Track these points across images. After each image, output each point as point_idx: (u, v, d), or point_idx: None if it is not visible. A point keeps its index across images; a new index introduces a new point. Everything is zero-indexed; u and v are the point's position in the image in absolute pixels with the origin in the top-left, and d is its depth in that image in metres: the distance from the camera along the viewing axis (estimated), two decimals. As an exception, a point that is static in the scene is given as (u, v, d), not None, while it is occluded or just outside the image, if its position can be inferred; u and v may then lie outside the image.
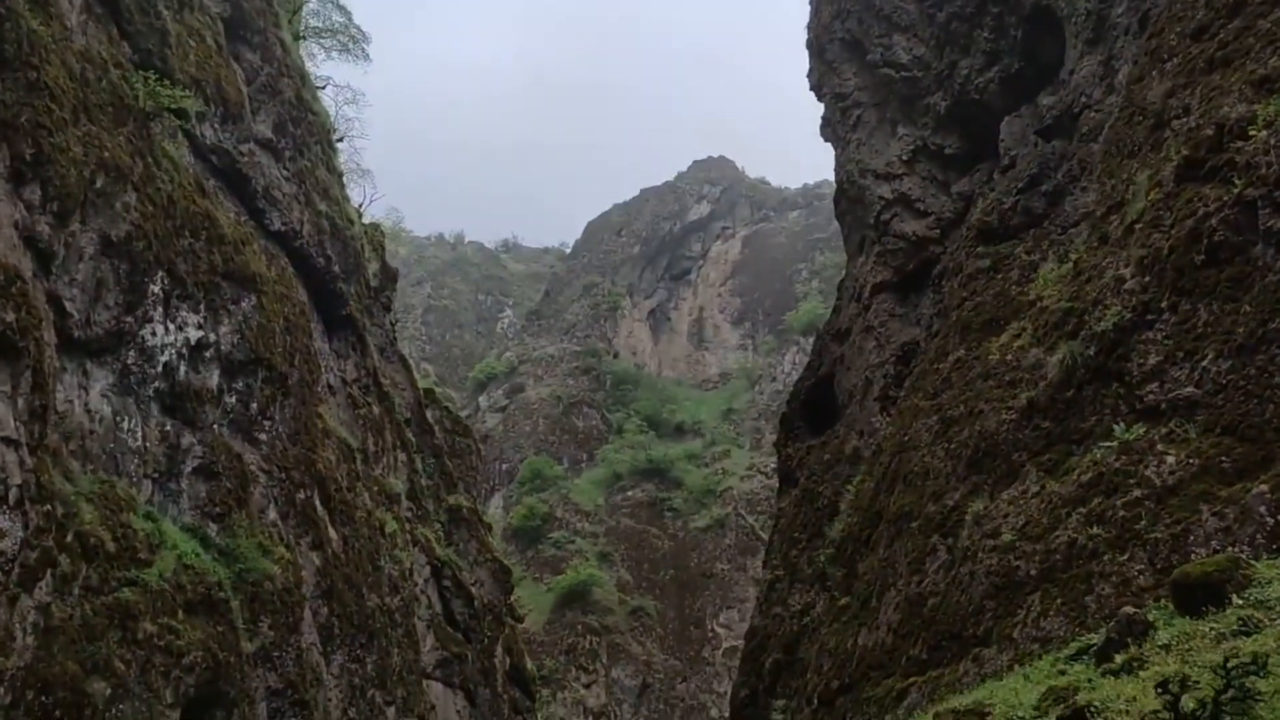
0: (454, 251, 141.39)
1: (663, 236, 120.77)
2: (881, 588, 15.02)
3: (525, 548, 79.94)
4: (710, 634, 76.87)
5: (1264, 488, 9.77)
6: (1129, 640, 8.43)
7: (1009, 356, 14.84)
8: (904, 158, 23.45)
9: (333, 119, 39.93)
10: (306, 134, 32.13)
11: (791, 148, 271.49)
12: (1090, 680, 8.09)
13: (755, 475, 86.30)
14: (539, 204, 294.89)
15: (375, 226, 45.21)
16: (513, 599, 47.11)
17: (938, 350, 17.55)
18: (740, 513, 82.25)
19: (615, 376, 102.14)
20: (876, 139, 24.46)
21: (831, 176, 28.68)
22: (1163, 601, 9.27)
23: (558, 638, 72.73)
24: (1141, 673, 7.72)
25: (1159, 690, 5.17)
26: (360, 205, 42.91)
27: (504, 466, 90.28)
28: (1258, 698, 5.03)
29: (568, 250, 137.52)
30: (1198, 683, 5.03)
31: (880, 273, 23.26)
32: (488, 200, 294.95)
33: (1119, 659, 8.22)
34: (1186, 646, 7.85)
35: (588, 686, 71.99)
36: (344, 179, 38.58)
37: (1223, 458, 10.39)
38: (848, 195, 25.67)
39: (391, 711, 29.08)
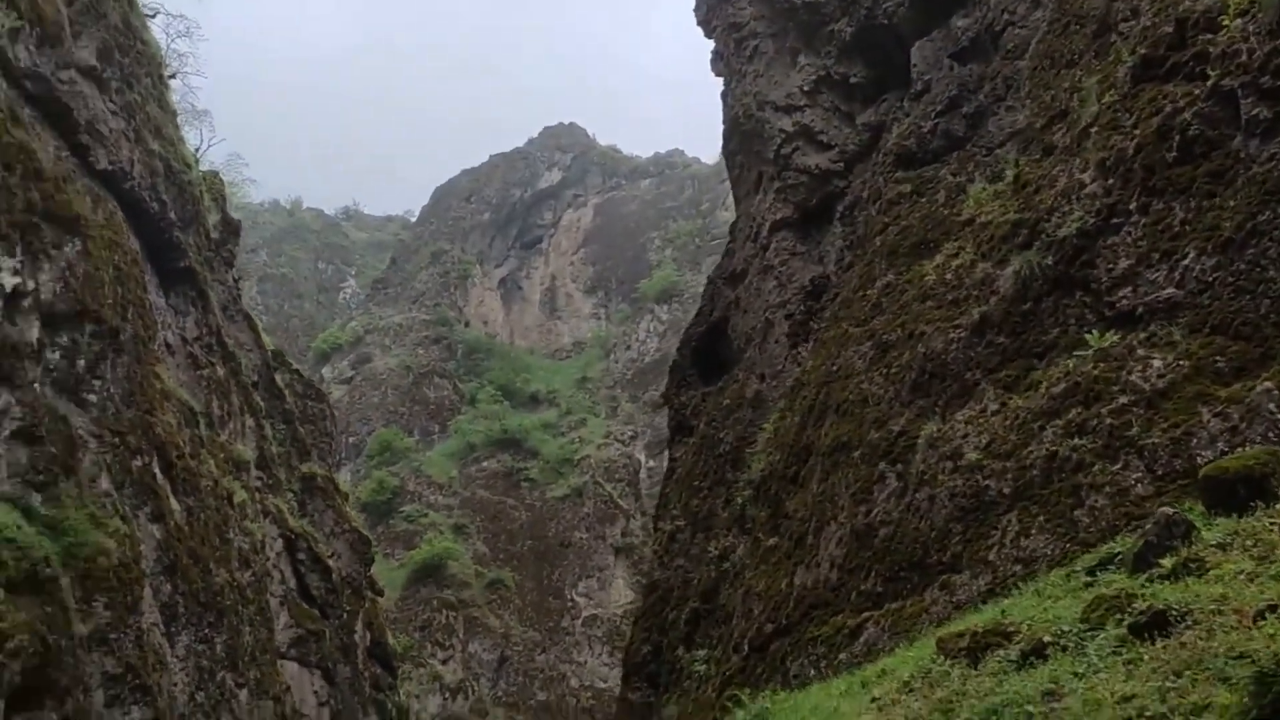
0: (291, 218, 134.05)
1: (513, 204, 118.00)
2: (819, 523, 14.02)
3: (375, 523, 76.62)
4: (570, 603, 75.86)
5: (1270, 384, 9.14)
6: (1174, 543, 7.55)
7: (948, 275, 14.03)
8: (805, 88, 22.47)
9: (164, 52, 36.15)
10: (136, 65, 29.01)
11: (641, 122, 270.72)
12: (1144, 587, 7.15)
13: (612, 443, 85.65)
14: (384, 165, 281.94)
15: (215, 174, 41.39)
16: (372, 571, 44.67)
17: (861, 278, 16.68)
18: (598, 481, 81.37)
19: (467, 346, 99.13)
20: (775, 70, 23.39)
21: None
22: (1186, 503, 8.49)
23: (412, 614, 70.24)
24: (1213, 571, 6.82)
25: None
26: (197, 149, 39.08)
27: (351, 440, 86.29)
28: None
29: (412, 218, 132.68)
30: None
31: (780, 209, 22.28)
32: (329, 158, 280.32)
33: (1167, 563, 7.32)
34: (1253, 543, 7.02)
35: (444, 662, 69.95)
36: (178, 119, 35.13)
37: (1216, 357, 9.75)
38: (742, 130, 24.53)
39: (244, 694, 27.14)
